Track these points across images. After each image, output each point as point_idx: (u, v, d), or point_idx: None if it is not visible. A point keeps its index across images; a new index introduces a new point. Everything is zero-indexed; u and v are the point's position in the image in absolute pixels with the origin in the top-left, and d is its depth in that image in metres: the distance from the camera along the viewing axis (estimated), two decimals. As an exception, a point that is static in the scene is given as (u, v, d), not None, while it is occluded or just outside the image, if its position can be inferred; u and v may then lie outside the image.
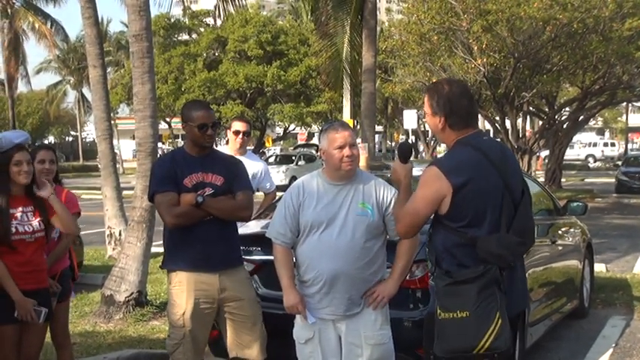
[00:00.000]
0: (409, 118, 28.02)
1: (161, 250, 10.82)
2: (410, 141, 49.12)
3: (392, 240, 4.08)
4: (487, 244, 3.35)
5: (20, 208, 4.26)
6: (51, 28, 38.99)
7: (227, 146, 6.41)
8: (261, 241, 4.43)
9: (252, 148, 35.79)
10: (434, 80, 19.52)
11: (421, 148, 45.38)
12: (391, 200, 3.99)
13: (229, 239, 4.44)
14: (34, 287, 4.26)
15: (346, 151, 3.94)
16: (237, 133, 6.24)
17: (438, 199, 3.40)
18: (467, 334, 3.28)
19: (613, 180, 29.28)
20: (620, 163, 34.62)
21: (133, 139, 7.95)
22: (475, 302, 3.28)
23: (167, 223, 4.37)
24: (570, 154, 46.21)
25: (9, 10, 37.87)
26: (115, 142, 15.11)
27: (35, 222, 4.29)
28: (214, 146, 4.72)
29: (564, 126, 26.08)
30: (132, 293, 7.38)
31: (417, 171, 3.70)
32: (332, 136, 3.97)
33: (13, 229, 4.19)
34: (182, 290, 4.37)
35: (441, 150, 41.46)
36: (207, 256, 4.33)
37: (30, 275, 4.25)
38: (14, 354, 4.32)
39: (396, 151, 3.83)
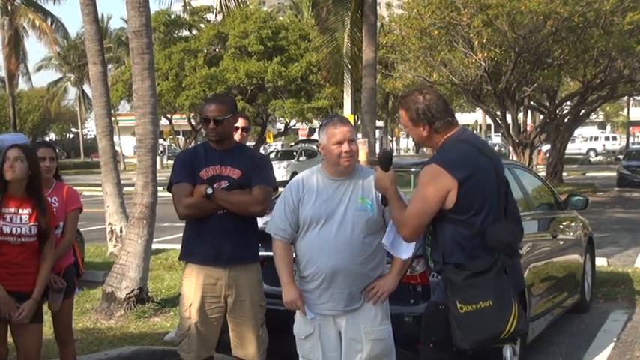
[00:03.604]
0: (410, 114, 27.89)
1: (162, 246, 10.85)
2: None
3: None
4: (497, 233, 3.45)
5: (13, 209, 4.21)
6: (51, 25, 38.98)
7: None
8: (261, 236, 4.43)
9: (254, 144, 35.81)
10: (435, 75, 19.60)
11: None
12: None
13: (244, 235, 4.39)
14: (14, 289, 4.20)
15: (345, 147, 3.93)
16: (235, 129, 6.23)
17: (443, 196, 3.45)
18: (493, 322, 3.35)
19: (614, 174, 29.27)
20: (621, 157, 34.58)
21: (134, 135, 7.94)
22: (494, 291, 3.36)
23: (178, 213, 4.38)
24: (571, 148, 46.16)
25: (9, 8, 37.86)
26: (115, 138, 15.09)
27: (26, 226, 4.21)
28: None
29: (565, 120, 26.04)
30: (133, 290, 7.39)
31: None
32: (331, 131, 3.97)
33: None
34: (191, 282, 4.40)
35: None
36: (218, 251, 4.32)
37: (13, 277, 4.19)
38: (3, 350, 4.32)
39: (378, 160, 3.84)
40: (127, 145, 57.57)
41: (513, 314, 3.36)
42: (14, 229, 4.19)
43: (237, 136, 6.22)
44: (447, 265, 3.47)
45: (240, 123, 6.30)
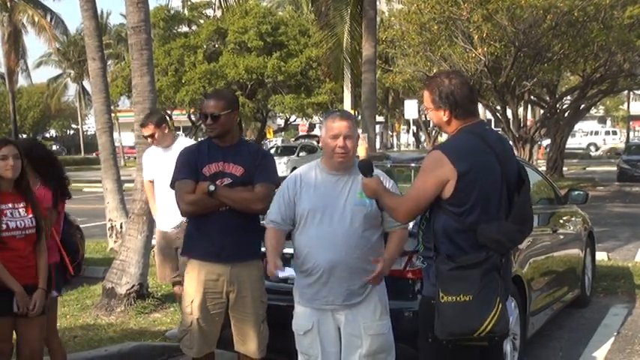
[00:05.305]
0: (410, 108, 27.94)
1: (161, 242, 10.44)
2: (414, 130, 49.12)
3: (387, 232, 4.09)
4: (488, 231, 3.41)
5: (10, 205, 4.22)
6: (50, 21, 39.03)
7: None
8: (263, 232, 4.42)
9: (249, 138, 35.79)
10: (434, 70, 19.56)
11: (423, 138, 45.36)
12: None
13: (246, 232, 4.39)
14: (23, 283, 4.21)
15: (339, 142, 3.94)
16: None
17: (441, 183, 3.44)
18: (469, 318, 3.33)
19: (615, 168, 29.27)
20: (621, 151, 34.60)
21: (134, 131, 7.92)
22: (478, 287, 3.33)
23: (180, 210, 4.40)
24: (572, 143, 46.14)
25: (8, 4, 37.84)
26: (115, 135, 15.07)
27: (27, 218, 4.24)
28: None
29: (565, 115, 26.03)
30: (133, 286, 7.39)
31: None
32: (329, 124, 3.99)
33: (4, 226, 4.15)
34: (193, 278, 4.41)
35: (443, 140, 41.30)
36: (220, 247, 4.33)
37: (21, 271, 4.20)
38: (8, 347, 4.33)
39: (360, 170, 3.87)
40: (127, 141, 57.52)
41: (493, 314, 3.32)
42: (19, 223, 4.22)
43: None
44: (439, 254, 3.48)
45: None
